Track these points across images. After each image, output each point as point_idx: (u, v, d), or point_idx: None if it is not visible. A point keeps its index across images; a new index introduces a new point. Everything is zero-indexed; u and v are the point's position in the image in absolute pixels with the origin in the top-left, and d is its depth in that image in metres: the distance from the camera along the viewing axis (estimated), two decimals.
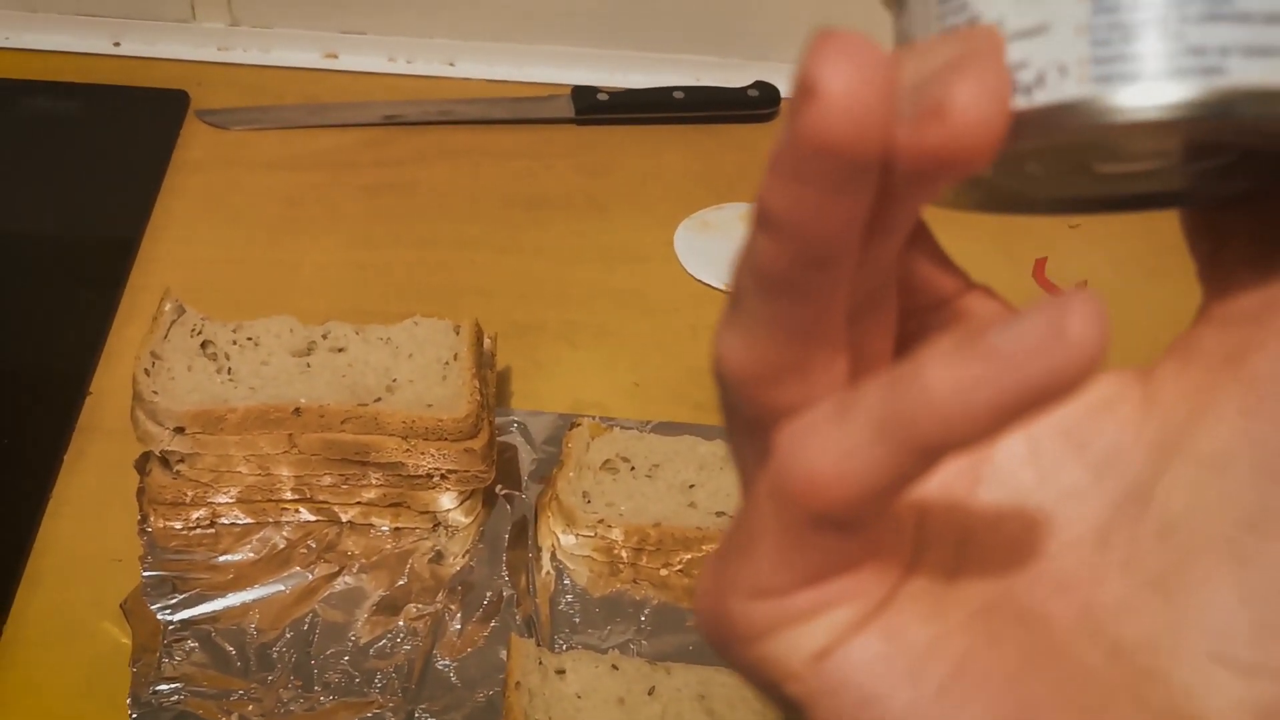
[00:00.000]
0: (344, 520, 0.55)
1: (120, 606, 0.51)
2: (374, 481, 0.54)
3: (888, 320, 0.22)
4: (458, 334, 0.55)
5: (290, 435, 0.52)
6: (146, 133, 0.74)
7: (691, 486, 0.56)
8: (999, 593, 0.22)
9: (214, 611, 0.52)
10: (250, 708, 0.50)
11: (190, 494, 0.53)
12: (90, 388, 0.60)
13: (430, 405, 0.53)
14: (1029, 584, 0.22)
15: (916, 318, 0.24)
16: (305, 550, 0.54)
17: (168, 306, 0.54)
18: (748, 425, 0.21)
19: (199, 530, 0.54)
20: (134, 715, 0.49)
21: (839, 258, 0.18)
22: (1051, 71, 0.18)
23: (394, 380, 0.54)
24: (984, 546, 0.22)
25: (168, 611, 0.52)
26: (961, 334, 0.18)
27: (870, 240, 0.19)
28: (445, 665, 0.51)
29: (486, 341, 0.59)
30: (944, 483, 0.23)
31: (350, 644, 0.52)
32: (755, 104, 0.81)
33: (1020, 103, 0.19)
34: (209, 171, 0.74)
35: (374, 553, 0.55)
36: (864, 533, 0.20)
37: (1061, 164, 0.22)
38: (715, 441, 0.58)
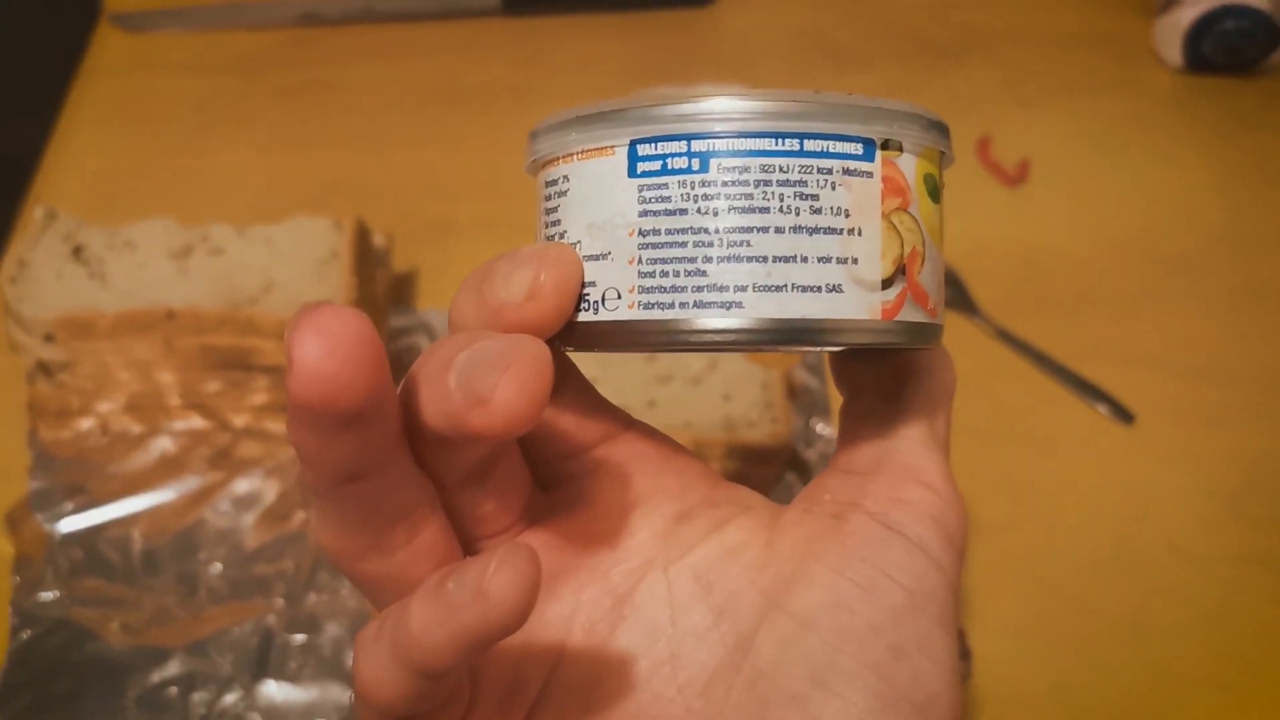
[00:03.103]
0: (237, 426, 0.54)
1: (4, 517, 0.51)
2: (262, 385, 0.53)
3: (510, 481, 0.24)
4: (339, 231, 0.54)
5: (166, 340, 0.51)
6: (55, 39, 0.72)
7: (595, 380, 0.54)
8: None
9: (101, 521, 0.51)
10: (133, 615, 0.49)
11: (75, 403, 0.53)
12: None
13: None
14: None
15: (562, 464, 0.25)
16: (197, 458, 0.53)
17: (38, 213, 0.53)
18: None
19: (92, 441, 0.54)
20: (15, 623, 0.48)
21: (364, 475, 0.21)
22: (610, 293, 0.21)
23: (271, 281, 0.52)
24: (610, 692, 0.23)
25: (54, 522, 0.51)
26: (445, 572, 0.20)
27: (452, 451, 0.22)
28: (333, 568, 0.51)
29: (378, 239, 0.57)
30: (587, 621, 0.24)
31: (238, 549, 0.51)
32: None
33: (585, 316, 0.22)
34: (120, 77, 0.72)
35: (268, 459, 0.54)
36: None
37: None
38: None
